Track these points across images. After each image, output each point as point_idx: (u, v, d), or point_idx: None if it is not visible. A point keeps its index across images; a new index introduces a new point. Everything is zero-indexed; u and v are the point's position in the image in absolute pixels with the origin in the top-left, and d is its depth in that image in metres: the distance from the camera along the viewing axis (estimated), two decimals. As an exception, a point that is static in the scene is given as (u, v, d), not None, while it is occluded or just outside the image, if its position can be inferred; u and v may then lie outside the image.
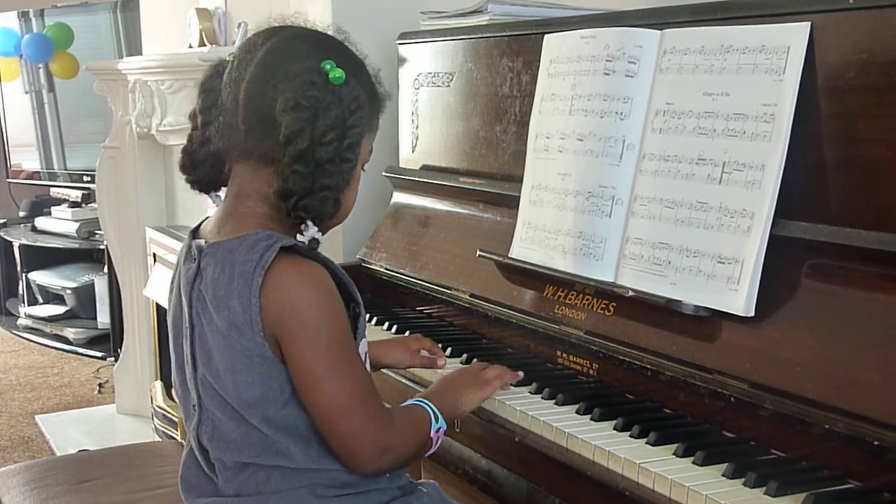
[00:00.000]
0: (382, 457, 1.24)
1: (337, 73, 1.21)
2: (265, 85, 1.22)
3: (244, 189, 1.26)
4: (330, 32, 1.30)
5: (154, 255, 3.36)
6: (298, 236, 1.26)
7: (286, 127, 1.19)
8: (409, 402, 1.36)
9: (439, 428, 1.33)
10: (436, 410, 1.33)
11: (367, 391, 1.25)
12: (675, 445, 1.28)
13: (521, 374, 1.54)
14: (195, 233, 1.32)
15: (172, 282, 1.33)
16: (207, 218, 1.34)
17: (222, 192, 1.34)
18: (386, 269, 2.12)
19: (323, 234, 1.35)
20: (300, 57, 1.22)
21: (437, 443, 1.34)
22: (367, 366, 1.32)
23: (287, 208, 1.21)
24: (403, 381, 1.67)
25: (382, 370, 1.68)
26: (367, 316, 1.98)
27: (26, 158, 5.62)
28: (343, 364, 1.22)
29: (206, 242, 1.27)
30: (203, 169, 1.33)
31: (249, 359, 1.21)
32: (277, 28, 1.28)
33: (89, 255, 5.19)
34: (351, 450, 1.23)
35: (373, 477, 1.28)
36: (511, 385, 1.53)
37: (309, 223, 1.22)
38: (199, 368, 1.26)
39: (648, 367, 1.45)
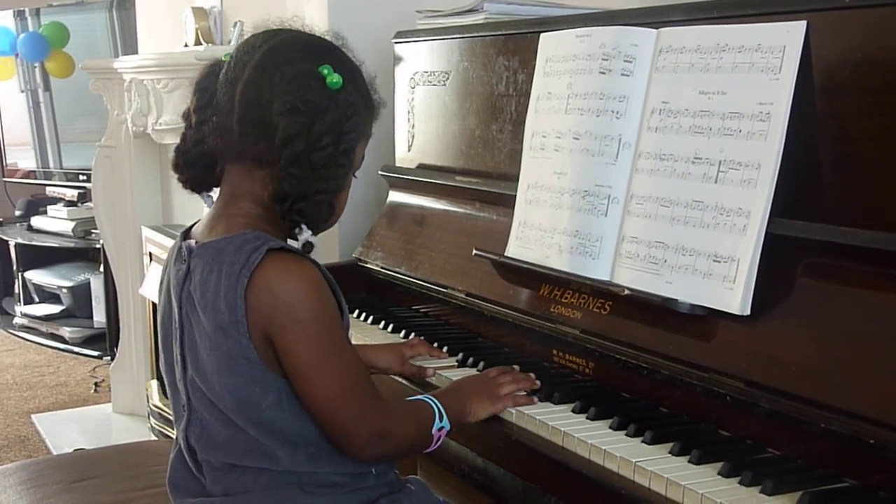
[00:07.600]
0: (380, 442, 1.25)
1: (334, 78, 1.22)
2: (261, 87, 1.22)
3: (237, 190, 1.27)
4: (327, 37, 1.31)
5: (150, 254, 3.35)
6: (292, 241, 1.26)
7: (282, 130, 1.19)
8: (416, 397, 1.38)
9: (441, 427, 1.34)
10: (441, 409, 1.34)
11: (362, 380, 1.27)
12: (671, 444, 1.28)
13: (535, 399, 1.47)
14: (187, 234, 1.32)
15: (161, 282, 1.33)
16: (199, 220, 1.34)
17: (214, 193, 1.34)
18: (382, 268, 2.12)
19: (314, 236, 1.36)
20: (297, 60, 1.23)
21: (437, 441, 1.34)
22: None
23: (282, 211, 1.21)
24: (398, 379, 1.67)
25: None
26: (363, 315, 2.00)
27: (22, 157, 5.61)
28: (337, 355, 1.23)
29: (196, 243, 1.27)
30: (195, 168, 1.33)
31: (234, 360, 1.21)
32: (276, 31, 1.29)
33: (85, 254, 5.18)
34: (350, 436, 1.24)
35: (368, 465, 1.29)
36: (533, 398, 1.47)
37: (303, 227, 1.23)
38: (189, 369, 1.26)
39: (644, 365, 1.45)
